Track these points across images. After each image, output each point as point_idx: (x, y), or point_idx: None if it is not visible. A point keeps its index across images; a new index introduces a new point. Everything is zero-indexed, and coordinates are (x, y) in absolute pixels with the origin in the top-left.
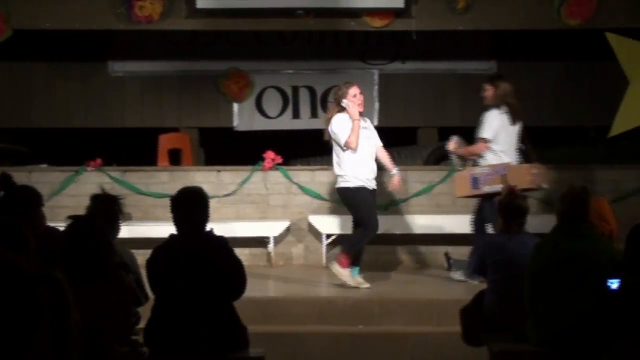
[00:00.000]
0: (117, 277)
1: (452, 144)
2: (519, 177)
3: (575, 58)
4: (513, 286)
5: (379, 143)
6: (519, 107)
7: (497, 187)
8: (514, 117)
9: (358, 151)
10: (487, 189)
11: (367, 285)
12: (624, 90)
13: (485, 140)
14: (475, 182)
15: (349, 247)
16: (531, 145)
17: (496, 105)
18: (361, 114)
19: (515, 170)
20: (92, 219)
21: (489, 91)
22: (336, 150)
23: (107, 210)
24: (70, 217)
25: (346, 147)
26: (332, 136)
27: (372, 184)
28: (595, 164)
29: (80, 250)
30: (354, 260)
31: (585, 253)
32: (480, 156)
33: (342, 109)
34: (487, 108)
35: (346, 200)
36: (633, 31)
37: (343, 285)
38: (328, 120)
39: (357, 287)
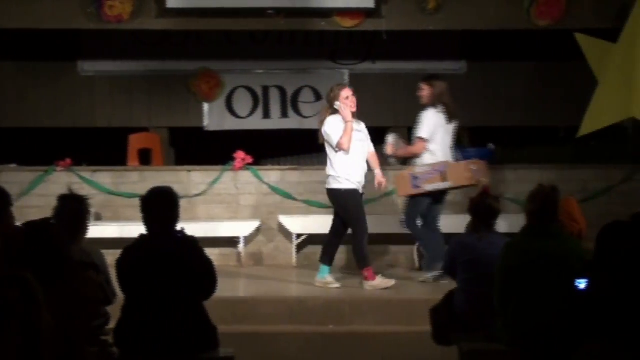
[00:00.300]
0: (78, 276)
1: (390, 147)
2: (459, 175)
3: (544, 58)
4: (483, 286)
5: (371, 148)
6: (455, 106)
7: (438, 185)
8: (450, 116)
9: (350, 153)
10: (428, 187)
11: (336, 285)
12: (593, 90)
13: (423, 140)
14: (415, 181)
15: (363, 261)
16: (469, 144)
17: (432, 104)
18: (354, 116)
19: (455, 167)
20: (47, 220)
21: (425, 91)
22: (329, 151)
23: (74, 210)
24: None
25: (338, 148)
26: (325, 137)
27: (362, 187)
28: (564, 164)
29: (37, 251)
30: (329, 260)
31: (554, 253)
32: (418, 155)
33: (335, 111)
34: (424, 107)
35: (336, 201)
36: (602, 32)
37: (387, 288)
38: (321, 122)
39: (330, 287)
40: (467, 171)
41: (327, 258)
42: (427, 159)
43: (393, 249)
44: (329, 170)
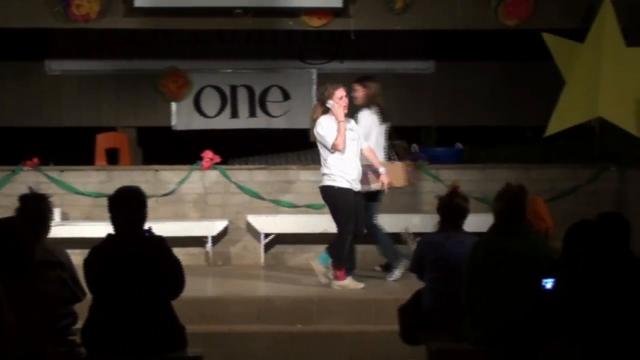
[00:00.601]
0: (41, 275)
1: None
2: (396, 175)
3: (512, 58)
4: (450, 285)
5: (365, 143)
6: (385, 107)
7: (375, 186)
8: (383, 117)
9: (345, 152)
10: (365, 187)
11: (360, 285)
12: (560, 90)
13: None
14: None
15: (338, 261)
16: (401, 143)
17: (367, 105)
18: (346, 116)
19: (392, 168)
20: (11, 219)
21: (359, 92)
22: (322, 151)
23: (36, 209)
24: None
25: (333, 149)
26: (318, 138)
27: (357, 186)
28: (532, 163)
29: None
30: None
31: (522, 252)
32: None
33: (327, 110)
34: (359, 108)
35: (328, 199)
36: (569, 31)
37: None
38: (313, 121)
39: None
40: (404, 172)
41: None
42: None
43: (360, 248)
44: (323, 169)
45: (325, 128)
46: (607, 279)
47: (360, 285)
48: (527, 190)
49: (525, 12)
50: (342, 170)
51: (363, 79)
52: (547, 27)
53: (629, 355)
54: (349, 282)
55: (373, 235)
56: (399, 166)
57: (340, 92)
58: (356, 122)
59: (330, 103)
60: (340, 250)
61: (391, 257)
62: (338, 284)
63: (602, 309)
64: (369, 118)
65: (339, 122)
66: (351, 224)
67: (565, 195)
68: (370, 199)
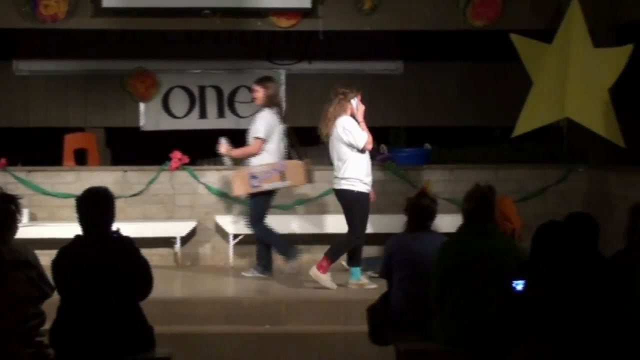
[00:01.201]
0: (8, 276)
1: (223, 147)
2: (297, 174)
3: (480, 59)
4: (419, 284)
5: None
6: (284, 108)
7: (277, 184)
8: (282, 117)
9: (365, 154)
10: (266, 186)
11: (373, 285)
12: (527, 90)
13: (260, 140)
14: (254, 180)
15: (333, 255)
16: (299, 144)
17: (267, 105)
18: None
19: (293, 167)
20: None
21: (258, 92)
22: (341, 151)
23: (4, 210)
24: None
25: (365, 148)
26: (344, 136)
27: (370, 188)
28: (500, 164)
29: None
30: (356, 261)
31: (490, 252)
32: (254, 155)
33: (345, 110)
34: (260, 109)
35: (346, 202)
36: (537, 32)
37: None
38: (333, 117)
39: (366, 288)
40: (305, 171)
41: (356, 260)
42: (263, 158)
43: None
44: (341, 172)
45: (354, 126)
46: (576, 279)
47: (334, 286)
48: (495, 190)
49: (493, 13)
50: (361, 173)
51: (263, 79)
52: (515, 28)
53: (598, 355)
54: (325, 278)
55: (261, 232)
56: (300, 165)
57: (359, 95)
58: (256, 122)
59: (355, 101)
60: (342, 249)
61: (283, 249)
62: (315, 272)
63: (571, 309)
64: (270, 118)
65: (360, 121)
66: (364, 229)
67: (534, 195)
68: (254, 196)
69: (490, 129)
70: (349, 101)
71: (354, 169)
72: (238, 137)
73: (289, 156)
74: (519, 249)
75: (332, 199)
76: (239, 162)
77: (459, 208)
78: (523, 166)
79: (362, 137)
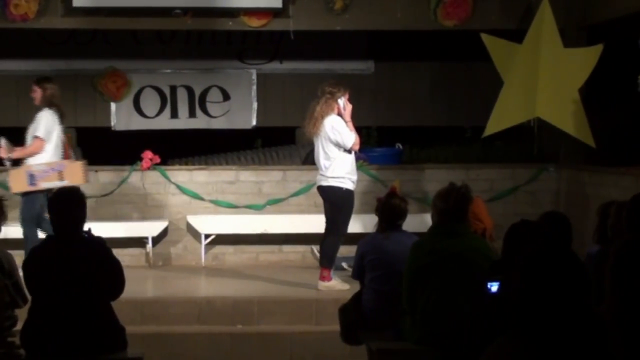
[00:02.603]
0: None
1: (2, 151)
2: (75, 174)
3: (451, 59)
4: (390, 284)
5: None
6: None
7: (54, 184)
8: (61, 118)
9: (351, 153)
10: (44, 185)
11: (345, 287)
12: (498, 90)
13: (40, 140)
14: (32, 178)
15: (328, 262)
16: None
17: (46, 105)
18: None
19: (72, 167)
20: None
21: (37, 92)
22: (329, 149)
23: None
24: None
25: (352, 148)
26: (332, 135)
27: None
28: (471, 163)
29: None
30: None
31: (461, 252)
32: (33, 155)
33: (332, 109)
34: (39, 108)
35: (334, 199)
36: (507, 33)
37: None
38: (320, 116)
39: (336, 289)
40: (83, 171)
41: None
42: (42, 158)
43: (300, 249)
44: (328, 170)
45: (342, 127)
46: (547, 278)
47: (347, 286)
48: (471, 189)
49: (464, 13)
50: (348, 172)
51: (41, 80)
52: (486, 28)
53: (571, 355)
54: (335, 283)
55: (26, 231)
56: (78, 165)
57: (347, 94)
58: (35, 122)
59: (342, 100)
60: (333, 250)
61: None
62: (324, 285)
63: (543, 308)
64: (49, 118)
65: (347, 122)
66: (347, 225)
67: (505, 195)
68: (27, 195)
69: (461, 128)
70: (336, 100)
71: (342, 167)
72: (209, 137)
73: (66, 156)
74: (490, 249)
75: (303, 199)
76: (19, 161)
77: (429, 208)
78: (494, 166)
79: (351, 137)
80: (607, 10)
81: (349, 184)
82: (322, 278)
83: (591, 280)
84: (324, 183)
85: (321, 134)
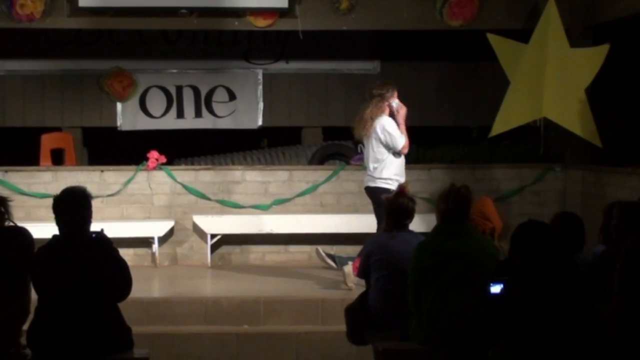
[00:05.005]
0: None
1: None
2: None
3: (457, 59)
4: (396, 284)
5: None
6: None
7: None
8: None
9: (401, 156)
10: None
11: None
12: (504, 90)
13: None
14: None
15: None
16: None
17: None
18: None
19: None
20: None
21: None
22: (379, 151)
23: None
24: None
25: (402, 152)
26: (384, 137)
27: None
28: (477, 164)
29: None
30: None
31: (466, 252)
32: None
33: (382, 110)
34: None
35: (380, 200)
36: (514, 32)
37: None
38: (370, 118)
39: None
40: None
41: None
42: None
43: (307, 249)
44: (379, 172)
45: (393, 129)
46: (542, 280)
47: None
48: (471, 189)
49: (470, 13)
50: (397, 173)
51: None
52: (492, 27)
53: (574, 356)
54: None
55: None
56: None
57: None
58: None
59: (396, 102)
60: None
61: None
62: (349, 270)
63: (542, 311)
64: None
65: (400, 123)
66: None
67: (511, 195)
68: None
69: (467, 128)
70: (387, 101)
71: (390, 169)
72: (215, 137)
73: None
74: (495, 249)
75: (309, 199)
76: None
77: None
78: (500, 166)
79: (401, 139)
80: (613, 10)
81: (395, 186)
82: (355, 267)
83: (592, 281)
84: (371, 184)
85: (372, 135)
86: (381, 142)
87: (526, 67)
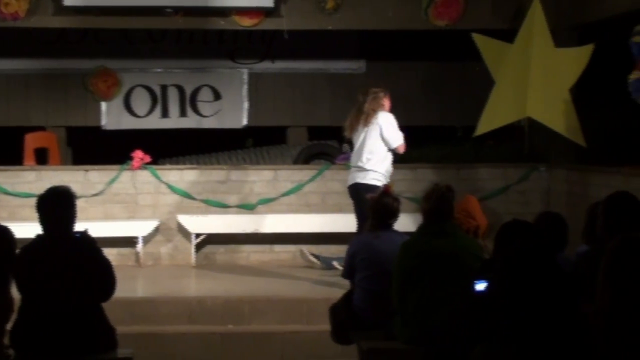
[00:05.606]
0: None
1: None
2: None
3: (443, 58)
4: (381, 284)
5: None
6: None
7: None
8: None
9: (391, 155)
10: None
11: None
12: (489, 90)
13: None
14: None
15: None
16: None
17: None
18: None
19: None
20: None
21: None
22: (377, 144)
23: None
24: None
25: (397, 150)
26: (385, 128)
27: None
28: (462, 163)
29: None
30: None
31: (450, 251)
32: None
33: (380, 105)
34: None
35: (364, 196)
36: (499, 32)
37: None
38: (371, 110)
39: None
40: None
41: None
42: None
43: (292, 248)
44: (370, 164)
45: (396, 125)
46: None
47: None
48: (454, 189)
49: (455, 12)
50: (388, 170)
51: None
52: (477, 27)
53: (557, 356)
54: None
55: None
56: None
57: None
58: None
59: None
60: None
61: None
62: None
63: (523, 311)
64: None
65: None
66: None
67: (496, 194)
68: None
69: (452, 128)
70: (382, 99)
71: (382, 164)
72: (200, 136)
73: None
74: (479, 248)
75: (294, 199)
76: None
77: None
78: (485, 165)
79: (400, 137)
80: (597, 10)
81: (385, 182)
82: None
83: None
84: (361, 180)
85: (370, 128)
86: (381, 135)
87: (511, 67)
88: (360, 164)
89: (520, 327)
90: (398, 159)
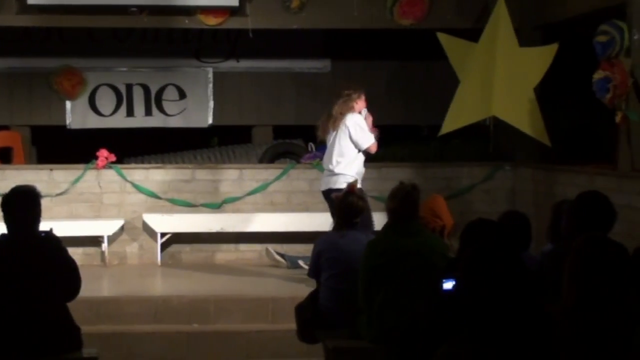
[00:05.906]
0: None
1: None
2: None
3: (407, 57)
4: (346, 283)
5: None
6: None
7: None
8: None
9: (362, 157)
10: None
11: None
12: (454, 89)
13: None
14: None
15: None
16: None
17: None
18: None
19: None
20: None
21: None
22: (346, 145)
23: None
24: None
25: (368, 150)
26: (354, 131)
27: None
28: (428, 162)
29: None
30: None
31: (416, 250)
32: None
33: (350, 108)
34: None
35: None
36: (464, 32)
37: None
38: (340, 114)
39: None
40: None
41: None
42: None
43: (257, 247)
44: (341, 167)
45: (365, 126)
46: (486, 279)
47: None
48: (419, 188)
49: (420, 12)
50: (358, 172)
51: None
52: (442, 27)
53: (521, 354)
54: None
55: None
56: None
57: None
58: None
59: (364, 111)
60: None
61: None
62: None
63: (487, 309)
64: None
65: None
66: None
67: (461, 193)
68: None
69: (418, 127)
70: (354, 101)
71: (353, 167)
72: (165, 135)
73: None
74: (445, 246)
75: (260, 198)
76: None
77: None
78: (450, 164)
79: (370, 138)
80: (562, 9)
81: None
82: None
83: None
84: (333, 185)
85: (339, 131)
86: (350, 138)
87: (476, 66)
88: (330, 166)
89: (484, 325)
90: (366, 158)
